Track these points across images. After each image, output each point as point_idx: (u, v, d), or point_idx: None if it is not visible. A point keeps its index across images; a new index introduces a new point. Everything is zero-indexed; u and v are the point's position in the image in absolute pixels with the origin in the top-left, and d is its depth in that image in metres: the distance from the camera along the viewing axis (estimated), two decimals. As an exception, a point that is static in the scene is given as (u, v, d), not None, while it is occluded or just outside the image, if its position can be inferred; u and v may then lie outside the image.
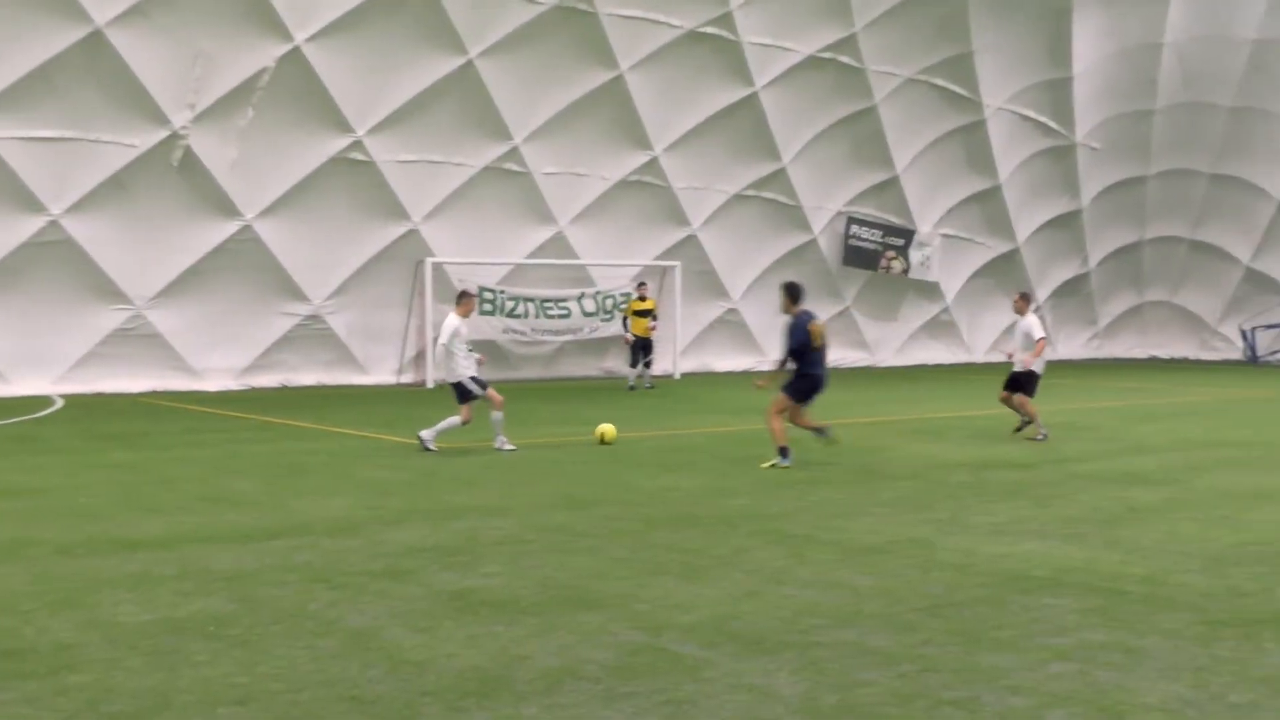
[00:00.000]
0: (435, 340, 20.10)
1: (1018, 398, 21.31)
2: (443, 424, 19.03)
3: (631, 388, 32.45)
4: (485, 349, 33.40)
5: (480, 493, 14.71)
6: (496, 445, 19.01)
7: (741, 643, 8.21)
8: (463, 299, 19.66)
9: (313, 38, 29.54)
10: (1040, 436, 20.71)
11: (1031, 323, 21.49)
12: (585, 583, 9.95)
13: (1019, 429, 21.27)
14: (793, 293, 17.76)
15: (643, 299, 33.80)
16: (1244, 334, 46.94)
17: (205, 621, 8.72)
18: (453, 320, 19.14)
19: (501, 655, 7.92)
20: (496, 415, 19.06)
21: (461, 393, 19.11)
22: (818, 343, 17.46)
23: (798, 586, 9.86)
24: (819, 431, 18.00)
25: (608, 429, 20.02)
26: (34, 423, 23.19)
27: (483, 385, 19.20)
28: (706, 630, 8.52)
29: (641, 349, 33.06)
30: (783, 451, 17.16)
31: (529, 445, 19.41)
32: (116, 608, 9.12)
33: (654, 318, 33.77)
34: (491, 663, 7.76)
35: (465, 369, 19.11)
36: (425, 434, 19.02)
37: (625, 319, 34.11)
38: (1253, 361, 46.33)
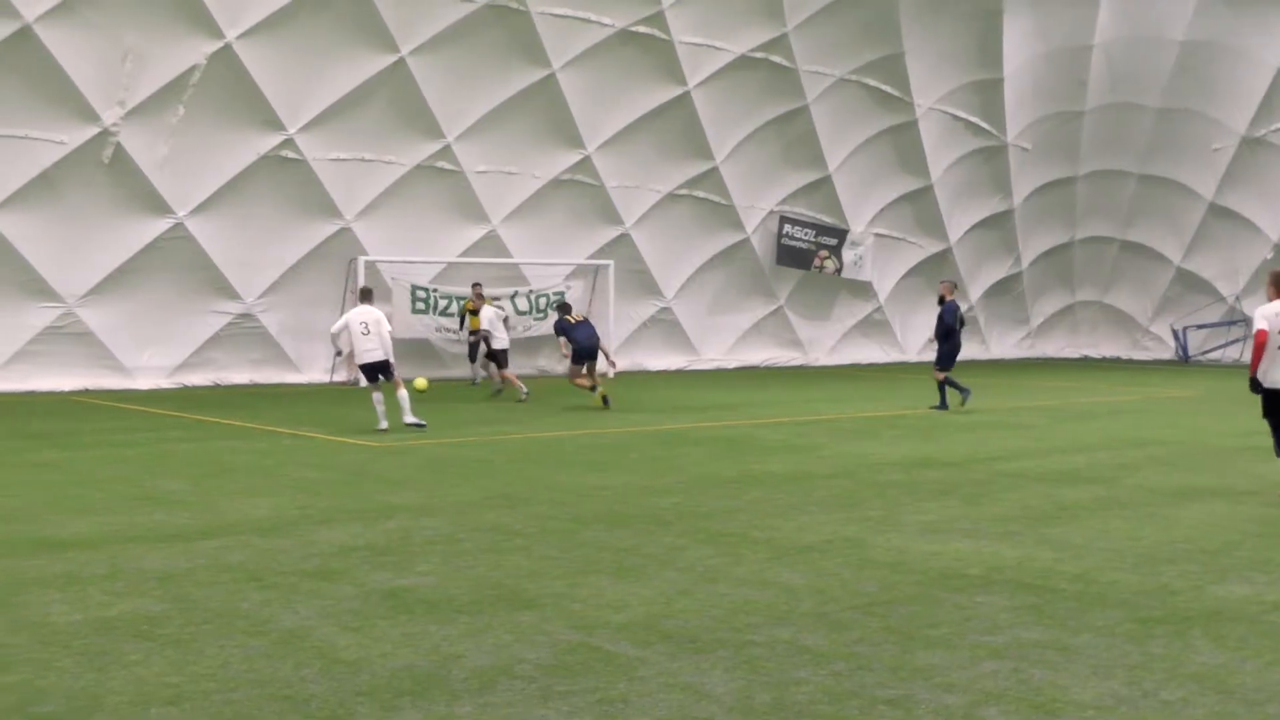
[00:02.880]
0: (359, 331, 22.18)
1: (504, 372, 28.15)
2: (405, 404, 21.39)
3: (474, 383, 32.39)
4: (418, 347, 33.56)
5: (411, 492, 14.65)
6: (382, 422, 21.11)
7: (675, 641, 8.21)
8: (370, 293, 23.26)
9: (244, 35, 29.36)
10: (522, 396, 27.44)
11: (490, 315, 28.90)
12: (518, 582, 9.93)
13: (496, 393, 28.52)
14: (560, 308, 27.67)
15: (479, 297, 32.18)
16: (1175, 334, 47.25)
17: (137, 621, 8.65)
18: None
19: (435, 654, 7.89)
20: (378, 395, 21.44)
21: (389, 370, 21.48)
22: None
23: (731, 585, 9.86)
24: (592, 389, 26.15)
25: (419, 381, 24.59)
26: (-40, 422, 22.94)
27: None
28: (640, 629, 8.52)
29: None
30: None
31: (459, 444, 19.40)
32: (46, 608, 9.03)
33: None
34: (425, 661, 7.74)
35: None
36: (409, 419, 21.22)
37: (462, 317, 33.33)
38: (1184, 361, 46.68)
